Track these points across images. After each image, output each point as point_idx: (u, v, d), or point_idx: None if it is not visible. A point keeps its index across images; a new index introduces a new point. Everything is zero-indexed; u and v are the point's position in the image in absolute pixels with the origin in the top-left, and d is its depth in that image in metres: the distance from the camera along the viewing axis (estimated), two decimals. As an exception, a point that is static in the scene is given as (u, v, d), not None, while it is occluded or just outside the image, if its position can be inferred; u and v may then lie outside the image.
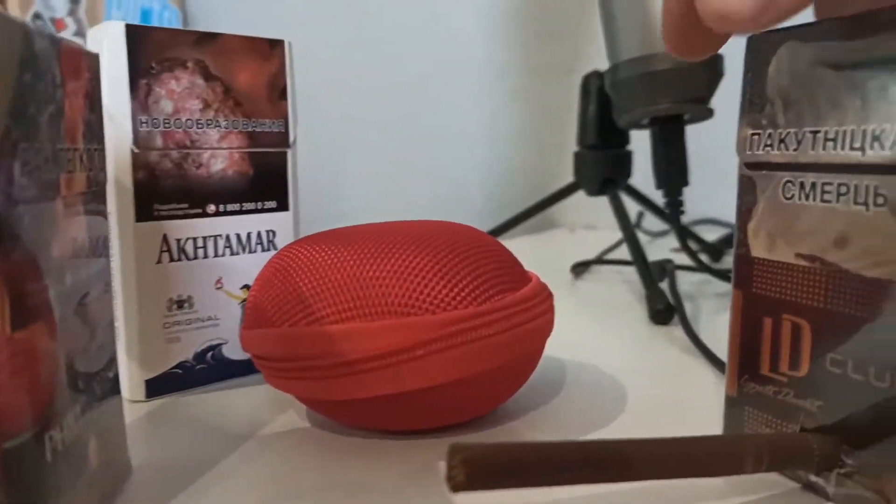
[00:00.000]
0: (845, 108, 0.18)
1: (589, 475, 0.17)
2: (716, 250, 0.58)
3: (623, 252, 0.64)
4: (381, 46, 0.96)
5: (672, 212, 0.45)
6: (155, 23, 1.07)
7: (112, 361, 0.21)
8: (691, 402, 0.28)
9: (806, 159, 0.20)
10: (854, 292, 0.18)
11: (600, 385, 0.30)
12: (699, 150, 0.68)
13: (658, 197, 0.67)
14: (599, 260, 0.56)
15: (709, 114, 0.43)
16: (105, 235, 0.22)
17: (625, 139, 0.52)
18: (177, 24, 1.09)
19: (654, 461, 0.17)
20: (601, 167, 0.51)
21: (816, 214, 0.19)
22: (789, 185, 0.20)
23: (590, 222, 0.85)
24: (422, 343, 0.22)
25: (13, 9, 0.94)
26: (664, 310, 0.39)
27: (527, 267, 0.27)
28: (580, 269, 0.54)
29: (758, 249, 0.21)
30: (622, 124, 0.47)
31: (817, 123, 0.19)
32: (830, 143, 0.19)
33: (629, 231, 0.47)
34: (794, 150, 0.20)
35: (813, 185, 0.19)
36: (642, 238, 0.72)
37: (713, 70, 0.42)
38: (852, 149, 0.18)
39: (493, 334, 0.22)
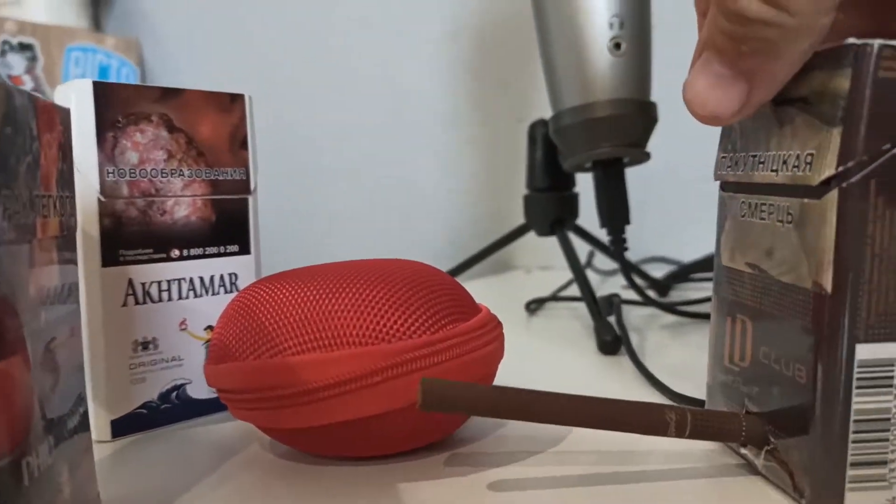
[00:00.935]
0: (772, 136, 0.22)
1: (522, 417, 0.22)
2: (662, 286, 0.60)
3: (576, 290, 0.66)
4: (336, 98, 0.99)
5: (616, 249, 0.47)
6: (113, 79, 1.08)
7: (82, 399, 0.22)
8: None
9: (748, 179, 0.23)
10: (775, 295, 0.22)
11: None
12: (648, 192, 0.72)
13: (605, 236, 0.70)
14: (553, 297, 0.58)
15: (645, 157, 0.47)
16: (74, 281, 0.23)
17: (571, 182, 0.55)
18: (135, 80, 1.11)
19: (583, 413, 0.22)
20: (549, 208, 0.53)
21: (757, 229, 0.23)
22: (743, 205, 0.24)
23: (545, 263, 0.88)
24: (378, 370, 0.23)
25: (-30, 67, 0.94)
26: (611, 341, 0.41)
27: (495, 305, 0.29)
28: (534, 306, 0.56)
29: (725, 259, 0.25)
30: (567, 168, 0.50)
31: (756, 148, 0.23)
32: (760, 165, 0.23)
33: (577, 268, 0.49)
34: (742, 171, 0.24)
35: (756, 205, 0.23)
36: (594, 276, 0.75)
37: (648, 117, 0.45)
38: (771, 170, 0.22)
39: (445, 360, 0.24)
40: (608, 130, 0.45)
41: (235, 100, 0.33)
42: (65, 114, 0.23)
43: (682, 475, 0.24)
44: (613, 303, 0.46)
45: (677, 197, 0.78)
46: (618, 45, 0.44)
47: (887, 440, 0.20)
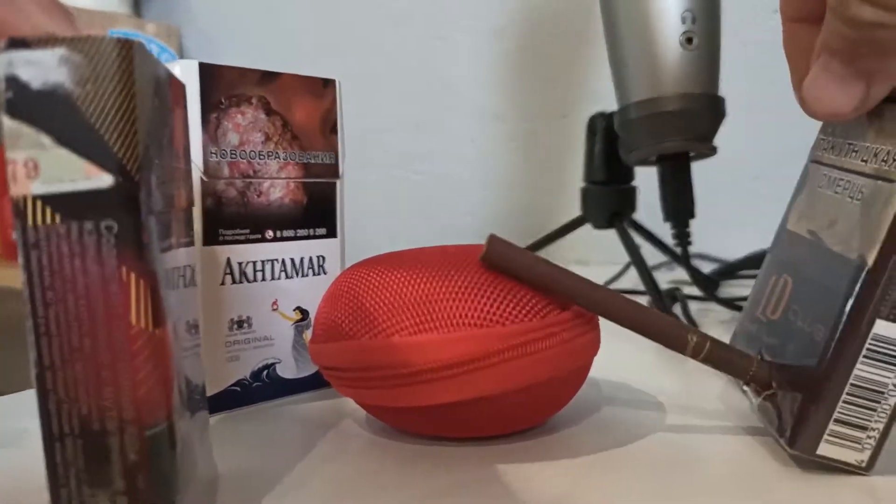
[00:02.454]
0: (870, 129, 0.23)
1: (570, 297, 0.25)
2: (712, 282, 0.60)
3: (622, 283, 0.66)
4: (378, 91, 0.99)
5: (680, 242, 0.47)
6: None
7: (202, 375, 0.23)
8: (715, 410, 0.30)
9: (841, 164, 0.25)
10: (822, 262, 0.24)
11: (635, 399, 0.32)
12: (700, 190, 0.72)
13: (659, 230, 0.70)
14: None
15: (713, 151, 0.47)
16: (194, 262, 0.23)
17: (630, 175, 0.55)
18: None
19: (617, 307, 0.25)
20: (608, 201, 0.54)
21: (827, 201, 0.25)
22: (823, 176, 0.25)
23: (581, 258, 0.88)
24: (495, 352, 0.24)
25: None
26: (679, 333, 0.41)
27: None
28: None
29: (791, 223, 0.27)
30: (631, 161, 0.50)
31: (855, 137, 0.24)
32: (854, 153, 0.24)
33: (640, 260, 0.49)
34: (835, 155, 0.25)
35: (834, 179, 0.25)
36: (635, 271, 0.75)
37: (717, 111, 0.45)
38: (862, 160, 0.23)
39: (555, 345, 0.24)
40: (677, 124, 0.45)
41: (327, 84, 0.34)
42: (184, 90, 0.23)
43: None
44: (677, 296, 0.47)
45: (720, 194, 0.78)
46: (689, 40, 0.44)
47: (874, 410, 0.22)
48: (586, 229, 0.58)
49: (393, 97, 0.99)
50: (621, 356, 0.40)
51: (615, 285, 0.65)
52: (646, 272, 0.48)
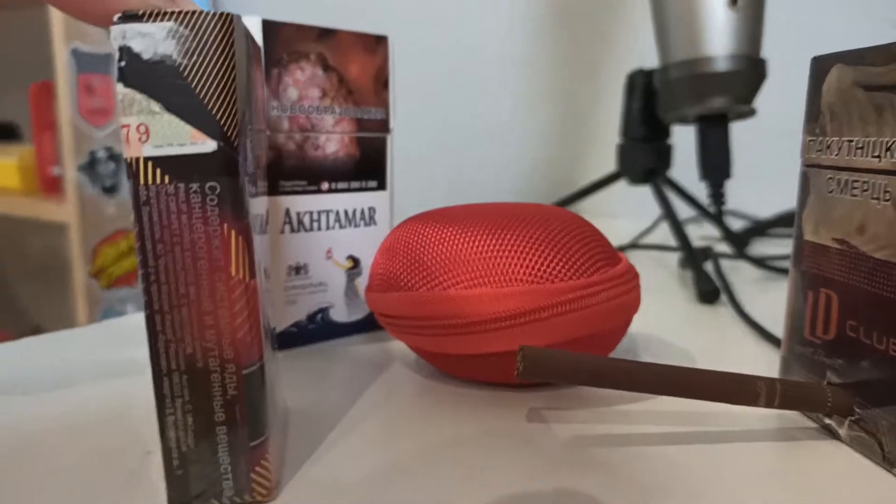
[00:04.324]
0: (869, 124, 0.22)
1: (625, 386, 0.23)
2: (742, 240, 0.61)
3: (653, 238, 0.68)
4: (413, 41, 0.99)
5: (715, 201, 0.48)
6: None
7: (274, 316, 0.25)
8: (754, 367, 0.32)
9: (843, 163, 0.24)
10: (867, 270, 0.23)
11: (670, 353, 0.34)
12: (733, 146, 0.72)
13: (691, 187, 0.71)
14: (636, 245, 0.59)
15: (752, 112, 0.47)
16: (266, 211, 0.25)
17: (666, 133, 0.55)
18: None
19: (683, 384, 0.23)
20: (645, 158, 0.54)
21: (846, 206, 0.23)
22: (830, 181, 0.24)
23: (609, 211, 0.89)
24: (544, 307, 0.25)
25: (57, 21, 0.96)
26: (712, 291, 0.43)
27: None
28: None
29: (807, 234, 0.25)
30: (669, 120, 0.50)
31: (851, 134, 0.23)
32: (859, 151, 0.23)
33: (674, 217, 0.50)
34: (835, 155, 0.24)
35: (846, 181, 0.23)
36: (665, 227, 0.76)
37: (758, 73, 0.45)
38: (872, 156, 0.22)
39: (600, 302, 0.26)
40: (719, 85, 0.45)
41: (380, 41, 0.35)
42: (259, 52, 0.24)
43: (763, 437, 0.26)
44: (709, 254, 0.48)
45: (754, 152, 0.78)
46: (735, 1, 0.44)
47: None
48: (618, 184, 0.59)
49: (429, 49, 0.99)
50: (659, 311, 0.42)
51: (646, 240, 0.67)
52: (679, 229, 0.49)
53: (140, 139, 0.17)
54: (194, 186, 0.17)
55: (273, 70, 0.31)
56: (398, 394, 0.28)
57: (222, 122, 0.17)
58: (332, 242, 0.34)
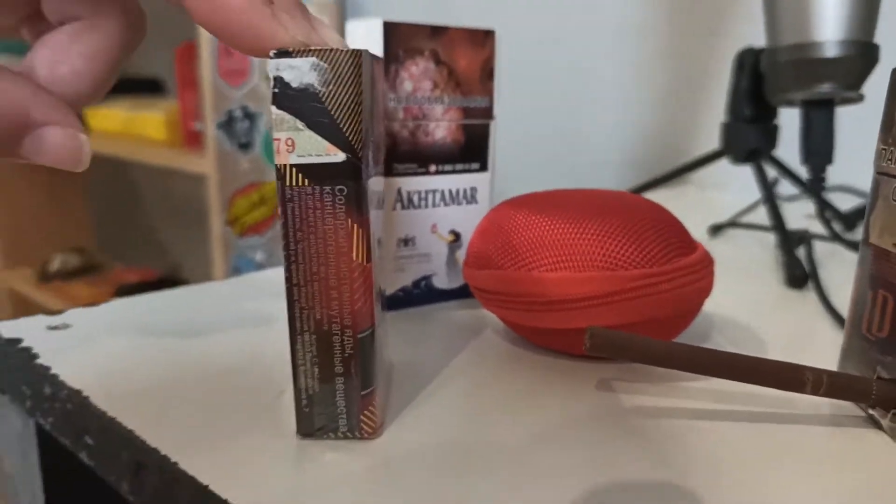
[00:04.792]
0: None
1: (683, 367, 0.26)
2: (849, 220, 0.61)
3: (756, 216, 0.68)
4: (523, 3, 1.00)
5: (815, 187, 0.49)
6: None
7: (384, 281, 0.30)
8: (821, 356, 0.34)
9: None
10: None
11: (742, 335, 0.36)
12: (846, 121, 0.70)
13: (798, 166, 0.70)
14: (735, 223, 0.60)
15: (860, 99, 0.47)
16: (382, 189, 0.29)
17: (773, 113, 0.55)
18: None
19: (730, 367, 0.26)
20: (749, 138, 0.55)
21: None
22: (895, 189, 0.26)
23: (719, 182, 0.88)
24: (617, 292, 0.28)
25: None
26: (801, 276, 0.44)
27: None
28: (716, 230, 0.59)
29: (873, 237, 0.27)
30: (775, 103, 0.50)
31: None
32: None
33: (772, 200, 0.51)
34: None
35: None
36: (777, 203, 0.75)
37: (868, 59, 0.45)
38: None
39: (670, 290, 0.29)
40: (829, 71, 0.45)
41: (487, 35, 0.38)
42: (381, 64, 0.28)
43: (811, 421, 0.28)
44: (804, 238, 0.48)
45: (865, 125, 0.75)
46: (850, -16, 0.44)
47: None
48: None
49: (536, 9, 1.00)
50: (744, 293, 0.43)
51: (754, 216, 0.67)
52: (776, 211, 0.50)
53: (287, 150, 0.22)
54: (327, 188, 0.22)
55: (391, 66, 0.35)
56: (487, 356, 0.32)
57: (350, 138, 0.21)
58: (437, 218, 0.38)
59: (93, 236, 1.95)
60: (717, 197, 0.82)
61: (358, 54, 0.21)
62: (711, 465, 0.24)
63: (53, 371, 0.29)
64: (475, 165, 0.39)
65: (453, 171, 0.38)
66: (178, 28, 1.43)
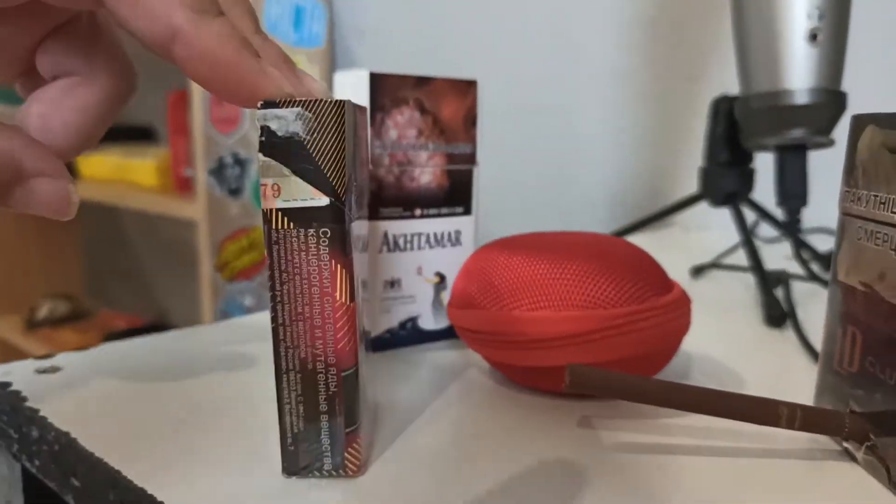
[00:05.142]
0: (892, 183, 0.25)
1: (659, 403, 0.26)
2: (826, 260, 0.62)
3: (738, 257, 0.69)
4: (507, 48, 1.03)
5: (791, 228, 0.50)
6: (307, 18, 1.18)
7: (368, 323, 0.30)
8: (799, 392, 0.34)
9: (869, 215, 0.26)
10: (884, 314, 0.25)
11: (721, 373, 0.37)
12: (819, 163, 0.72)
13: (775, 208, 0.72)
14: (716, 264, 0.61)
15: (831, 143, 0.48)
16: (366, 234, 0.30)
17: (749, 157, 0.57)
18: (324, 19, 1.20)
19: (705, 403, 0.26)
20: (726, 182, 0.56)
21: (871, 253, 0.26)
22: (860, 229, 0.27)
23: (702, 223, 0.90)
24: (596, 330, 0.29)
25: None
26: (779, 316, 0.45)
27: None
28: (697, 271, 0.60)
29: (841, 275, 0.28)
30: (750, 147, 0.52)
31: (877, 189, 0.26)
32: (882, 206, 0.26)
33: (749, 242, 0.52)
34: (864, 207, 0.27)
35: (871, 231, 0.26)
36: (756, 244, 0.77)
37: (837, 105, 0.47)
38: (892, 212, 0.25)
39: (648, 328, 0.30)
40: (799, 118, 0.47)
41: (470, 85, 0.39)
42: (365, 112, 0.29)
43: (788, 455, 0.28)
44: (781, 278, 0.50)
45: (839, 168, 0.77)
46: (814, 36, 0.46)
47: None
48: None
49: (519, 48, 1.03)
50: (723, 332, 0.44)
51: (729, 259, 0.68)
52: (753, 252, 0.51)
53: (274, 195, 0.23)
54: (311, 231, 0.23)
55: (377, 115, 0.36)
56: (470, 394, 0.33)
57: (334, 183, 0.22)
58: (423, 260, 0.39)
59: (82, 282, 1.95)
60: (700, 238, 0.83)
61: (341, 104, 0.22)
62: (686, 498, 0.24)
63: (42, 413, 0.29)
64: (459, 209, 0.40)
65: (438, 215, 0.39)
66: (170, 76, 1.46)
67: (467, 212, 0.41)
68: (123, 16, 0.21)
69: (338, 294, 0.23)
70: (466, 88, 0.39)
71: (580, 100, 0.99)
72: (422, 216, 0.39)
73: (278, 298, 0.23)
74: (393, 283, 0.38)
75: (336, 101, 0.22)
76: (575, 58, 0.98)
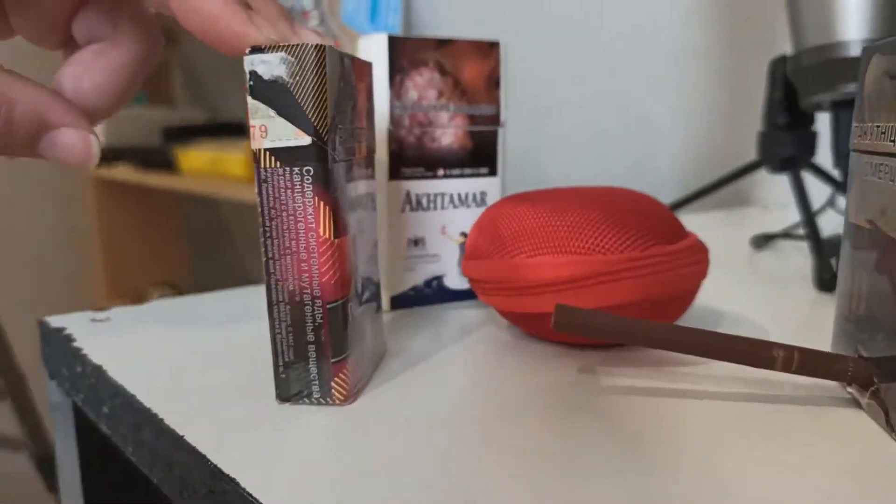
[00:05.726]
0: (892, 109, 0.24)
1: (646, 343, 0.26)
2: None
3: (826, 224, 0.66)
4: (577, 33, 1.02)
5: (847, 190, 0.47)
6: (382, 10, 1.21)
7: (374, 281, 0.32)
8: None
9: (872, 148, 0.25)
10: (885, 249, 0.24)
11: (752, 329, 0.35)
12: None
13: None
14: (781, 234, 0.59)
15: (892, 97, 0.46)
16: (373, 192, 0.31)
17: (810, 119, 0.54)
18: (398, 8, 1.23)
19: (695, 343, 0.26)
20: (784, 146, 0.54)
21: (874, 188, 0.25)
22: (866, 164, 0.26)
23: (786, 200, 0.86)
24: (593, 275, 0.29)
25: None
26: (829, 279, 0.43)
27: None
28: (762, 241, 0.58)
29: (851, 215, 0.27)
30: (805, 107, 0.50)
31: (878, 119, 0.25)
32: (882, 135, 0.24)
33: (805, 206, 0.50)
34: (868, 140, 0.25)
35: (875, 165, 0.25)
36: (836, 216, 0.73)
37: None
38: (890, 140, 0.24)
39: (648, 275, 0.30)
40: (853, 71, 0.44)
41: (493, 46, 0.40)
42: (369, 67, 0.31)
43: (791, 401, 0.27)
44: (838, 243, 0.47)
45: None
46: (871, -18, 0.43)
47: None
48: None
49: (589, 37, 1.02)
50: (754, 294, 0.43)
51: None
52: (809, 219, 0.49)
53: (262, 136, 0.24)
54: (296, 169, 0.24)
55: (396, 76, 0.38)
56: (479, 346, 0.33)
57: (316, 123, 0.24)
58: (447, 220, 0.40)
59: (187, 270, 2.08)
60: (781, 214, 0.80)
61: (322, 49, 0.24)
62: (678, 440, 0.24)
63: (84, 352, 0.32)
64: (484, 170, 0.41)
65: (461, 176, 0.40)
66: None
67: (493, 173, 0.41)
68: None
69: (321, 230, 0.25)
70: (489, 50, 0.40)
71: (651, 84, 0.97)
72: (444, 176, 0.40)
73: (268, 234, 0.25)
74: (416, 242, 0.40)
75: (318, 45, 0.24)
76: (642, 43, 0.96)
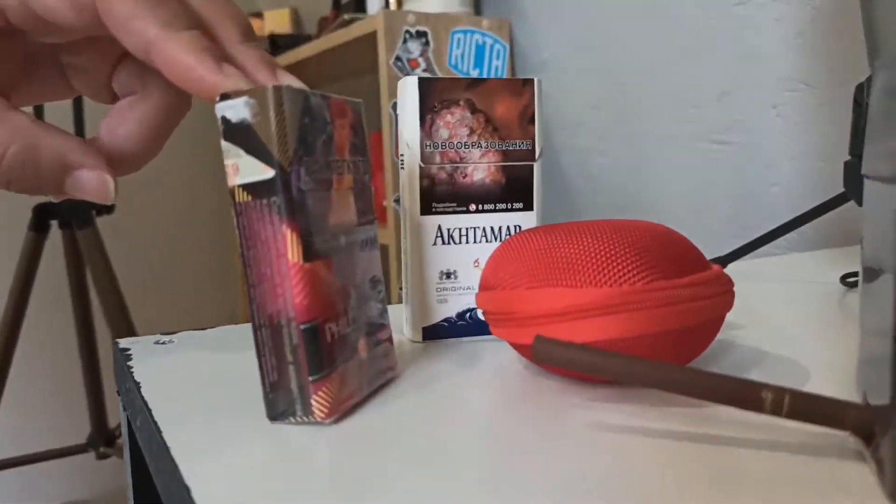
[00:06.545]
0: None
1: (623, 378, 0.25)
2: None
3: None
4: (682, 63, 0.99)
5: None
6: (487, 55, 1.24)
7: (383, 316, 0.32)
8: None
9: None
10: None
11: (769, 366, 0.33)
12: None
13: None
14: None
15: None
16: (371, 217, 0.32)
17: (909, 146, 0.49)
18: (505, 56, 1.26)
19: (681, 383, 0.24)
20: (876, 176, 0.49)
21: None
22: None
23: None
24: (587, 308, 0.29)
25: (382, 52, 1.18)
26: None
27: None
28: (851, 280, 0.52)
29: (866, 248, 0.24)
30: (892, 131, 0.45)
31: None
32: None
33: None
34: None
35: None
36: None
37: None
38: None
39: (643, 308, 0.28)
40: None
41: (526, 84, 0.40)
42: (356, 105, 0.32)
43: (793, 450, 0.24)
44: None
45: None
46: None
47: None
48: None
49: (695, 68, 0.98)
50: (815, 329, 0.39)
51: None
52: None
53: (234, 174, 0.26)
54: (265, 200, 0.26)
55: (427, 115, 0.39)
56: (491, 377, 0.33)
57: (278, 157, 0.26)
58: (480, 253, 0.41)
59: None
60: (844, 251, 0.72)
61: (279, 89, 0.26)
62: (652, 485, 0.23)
63: (133, 370, 0.36)
64: (518, 204, 0.41)
65: (494, 210, 0.41)
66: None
67: (528, 207, 0.41)
68: (118, 35, 0.27)
69: (290, 255, 0.26)
70: (521, 88, 0.40)
71: (757, 112, 0.92)
72: (477, 211, 0.40)
73: (247, 263, 0.27)
74: (448, 274, 0.40)
75: (275, 87, 0.26)
76: (749, 70, 0.92)
